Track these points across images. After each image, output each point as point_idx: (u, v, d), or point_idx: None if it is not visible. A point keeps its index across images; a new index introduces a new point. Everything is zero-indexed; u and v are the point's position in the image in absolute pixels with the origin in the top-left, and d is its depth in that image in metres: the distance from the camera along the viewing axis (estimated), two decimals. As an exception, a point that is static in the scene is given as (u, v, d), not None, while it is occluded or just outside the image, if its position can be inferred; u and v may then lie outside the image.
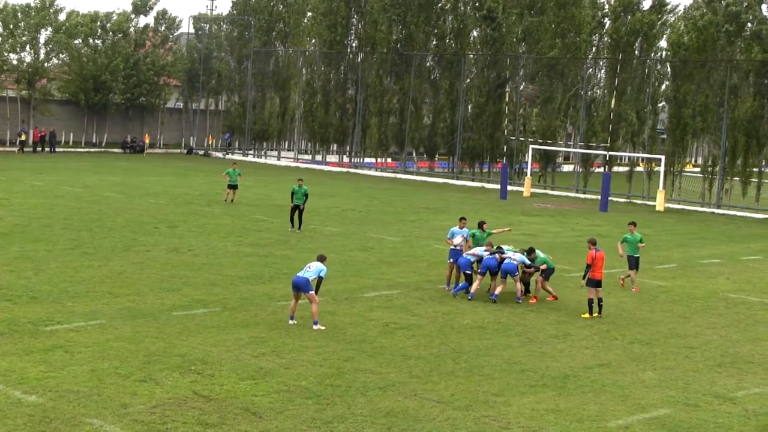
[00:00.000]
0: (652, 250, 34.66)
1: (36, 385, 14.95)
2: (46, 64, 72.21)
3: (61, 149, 70.60)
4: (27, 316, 19.20)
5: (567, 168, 76.61)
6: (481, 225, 25.65)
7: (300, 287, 19.64)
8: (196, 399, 14.76)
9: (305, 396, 15.20)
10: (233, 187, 41.69)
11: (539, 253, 24.30)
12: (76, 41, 73.21)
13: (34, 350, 16.83)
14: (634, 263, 26.35)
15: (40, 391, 14.68)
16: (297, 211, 34.05)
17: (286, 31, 78.38)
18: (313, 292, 19.63)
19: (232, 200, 41.60)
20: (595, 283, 22.29)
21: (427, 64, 69.84)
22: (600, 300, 22.42)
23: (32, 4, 70.62)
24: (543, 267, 23.98)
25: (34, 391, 14.64)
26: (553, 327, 21.16)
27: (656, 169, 57.23)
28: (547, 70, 63.30)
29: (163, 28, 78.38)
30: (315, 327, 19.54)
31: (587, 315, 22.31)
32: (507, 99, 64.31)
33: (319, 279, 19.84)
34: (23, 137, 67.97)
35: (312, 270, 19.75)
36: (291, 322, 19.83)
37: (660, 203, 51.55)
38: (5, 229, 30.54)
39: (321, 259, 20.26)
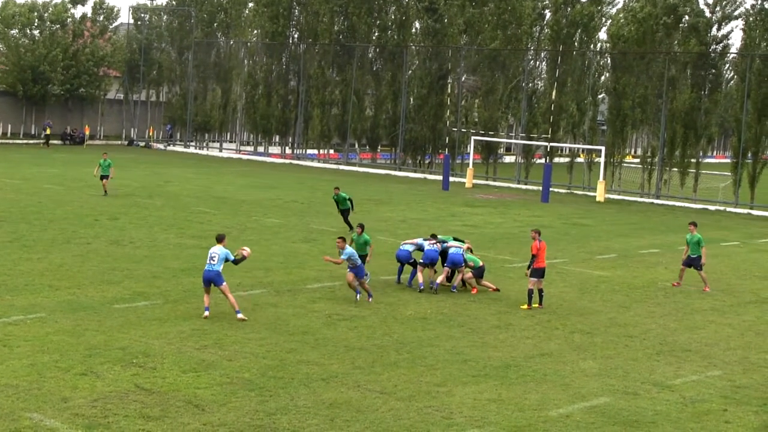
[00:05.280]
0: (592, 241, 35.13)
1: (-26, 380, 14.74)
2: (-18, 55, 70.98)
3: (-1, 141, 69.48)
4: (-36, 311, 18.90)
5: (508, 159, 77.21)
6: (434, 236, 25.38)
7: (212, 281, 19.42)
8: (138, 392, 14.66)
9: (248, 388, 15.17)
10: (105, 177, 39.79)
11: (470, 256, 24.28)
12: (13, 31, 71.95)
13: (-29, 345, 16.58)
14: (695, 263, 26.05)
15: (-22, 386, 14.48)
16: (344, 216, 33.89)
17: (228, 22, 77.82)
18: (225, 284, 19.44)
19: (105, 192, 39.62)
20: (540, 273, 22.46)
21: (370, 56, 69.84)
22: (540, 291, 22.64)
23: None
24: (471, 265, 24.05)
25: (-28, 387, 14.43)
26: (495, 317, 21.35)
27: (596, 160, 57.95)
28: (489, 61, 63.66)
29: (101, 18, 77.35)
30: (239, 316, 19.45)
31: (526, 306, 22.46)
32: (449, 90, 64.57)
33: (234, 262, 19.88)
34: (48, 131, 69.50)
35: (217, 260, 19.47)
36: (206, 313, 19.51)
37: (600, 194, 52.22)
38: (-59, 222, 29.99)
39: (220, 239, 20.00)
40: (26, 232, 29.11)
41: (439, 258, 24.31)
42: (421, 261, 23.92)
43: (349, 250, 21.66)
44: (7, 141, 70.31)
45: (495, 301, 23.02)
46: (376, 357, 17.49)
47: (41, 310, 19.38)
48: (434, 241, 24.30)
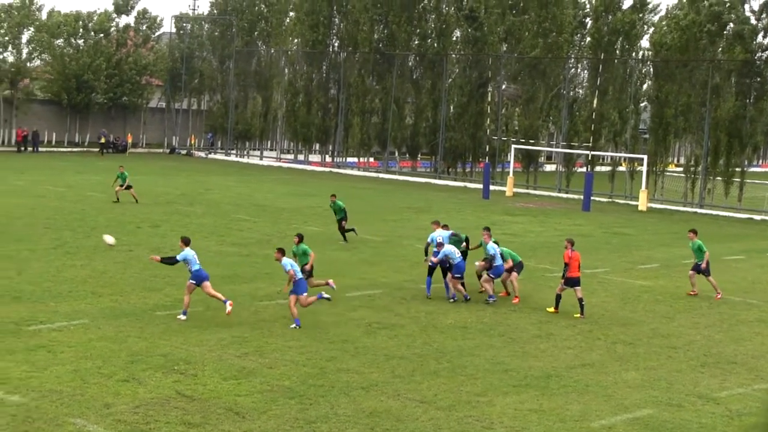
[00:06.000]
0: (634, 250, 34.81)
1: (19, 384, 14.88)
2: (28, 64, 71.88)
3: (44, 149, 70.24)
4: (10, 316, 19.11)
5: (549, 168, 76.79)
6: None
7: (205, 279, 20.05)
8: (179, 399, 14.72)
9: (288, 396, 15.18)
10: (129, 187, 39.90)
11: (507, 250, 24.15)
12: (58, 41, 72.91)
13: (16, 350, 16.75)
14: (702, 270, 25.89)
15: (23, 391, 14.62)
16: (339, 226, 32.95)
17: (268, 30, 78.25)
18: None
19: (117, 200, 39.74)
20: (573, 282, 22.39)
21: (409, 64, 69.86)
22: (581, 300, 22.49)
23: (14, 3, 70.27)
24: (510, 262, 23.80)
25: (17, 391, 14.57)
26: (535, 327, 21.20)
27: (639, 168, 57.42)
28: (529, 69, 63.44)
29: (144, 28, 78.13)
30: (229, 307, 19.81)
31: (553, 309, 22.53)
32: (489, 99, 64.38)
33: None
34: (103, 140, 70.87)
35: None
36: (183, 317, 19.86)
37: (642, 203, 51.75)
38: (-14, 229, 30.38)
39: (187, 242, 20.53)
40: (70, 239, 29.41)
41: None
42: (456, 275, 23.24)
43: (286, 261, 20.03)
44: (51, 149, 71.13)
45: (535, 311, 22.85)
46: (416, 366, 17.43)
47: (84, 316, 19.55)
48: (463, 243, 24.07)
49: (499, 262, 23.48)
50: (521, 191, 58.66)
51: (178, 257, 20.25)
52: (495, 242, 24.02)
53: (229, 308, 19.82)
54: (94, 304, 20.71)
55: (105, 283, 22.96)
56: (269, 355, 17.44)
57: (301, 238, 22.46)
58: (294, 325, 19.59)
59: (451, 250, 23.15)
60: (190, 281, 20.02)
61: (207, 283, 20.08)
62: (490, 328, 20.80)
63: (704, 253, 25.95)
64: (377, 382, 16.27)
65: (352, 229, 32.78)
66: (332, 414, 14.48)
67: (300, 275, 19.99)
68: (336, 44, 73.36)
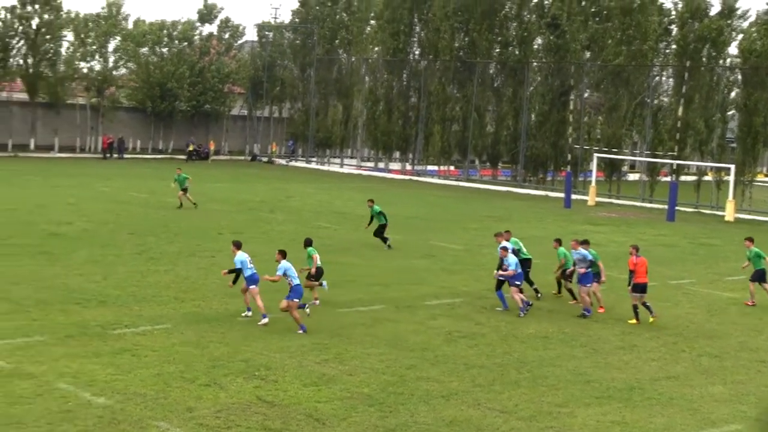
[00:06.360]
0: (720, 261, 34.06)
1: (105, 387, 15.15)
2: (114, 72, 73.45)
3: (129, 156, 71.63)
4: (96, 320, 19.47)
5: (632, 177, 75.63)
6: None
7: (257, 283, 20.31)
8: (260, 404, 14.81)
9: (368, 403, 15.16)
10: (185, 190, 40.26)
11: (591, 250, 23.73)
12: (143, 49, 74.34)
13: (102, 353, 17.05)
14: (761, 277, 25.67)
15: (108, 393, 14.87)
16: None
17: (349, 38, 78.66)
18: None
19: (194, 203, 40.16)
20: (640, 288, 22.31)
21: (490, 72, 69.57)
22: (644, 303, 22.39)
23: (101, 13, 71.89)
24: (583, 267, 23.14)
25: (103, 393, 14.83)
26: (618, 338, 20.86)
27: (725, 178, 56.22)
28: (613, 77, 62.61)
29: (227, 36, 79.22)
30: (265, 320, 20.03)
31: (634, 321, 22.26)
32: (571, 107, 63.70)
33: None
34: (191, 147, 72.80)
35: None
36: (265, 320, 20.07)
37: (730, 213, 50.63)
38: (75, 234, 31.06)
39: (239, 245, 20.91)
40: (153, 244, 29.88)
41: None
42: (515, 284, 22.72)
43: (285, 265, 19.79)
44: (136, 156, 72.50)
45: (618, 322, 22.48)
46: (496, 375, 17.27)
47: (167, 321, 19.82)
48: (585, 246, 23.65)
49: (575, 266, 23.31)
50: (604, 200, 57.87)
51: (235, 261, 20.52)
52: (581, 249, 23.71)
53: (264, 321, 19.95)
54: (177, 309, 20.98)
55: (187, 289, 23.25)
56: (349, 362, 17.46)
57: (308, 243, 22.81)
58: (300, 331, 19.56)
59: (515, 261, 22.81)
60: (251, 286, 20.28)
61: (255, 288, 20.28)
62: (571, 339, 20.53)
63: (763, 259, 25.58)
64: (457, 391, 16.16)
65: (385, 240, 32.21)
66: (412, 422, 14.42)
67: (296, 281, 19.74)
68: (417, 52, 73.43)
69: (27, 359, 16.42)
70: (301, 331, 19.44)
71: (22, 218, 34.22)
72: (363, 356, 17.94)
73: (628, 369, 18.29)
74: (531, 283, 24.70)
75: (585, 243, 23.70)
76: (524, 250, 24.86)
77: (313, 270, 22.18)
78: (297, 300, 19.64)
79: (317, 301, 22.06)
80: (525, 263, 24.14)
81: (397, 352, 18.45)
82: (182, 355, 17.23)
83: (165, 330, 19.04)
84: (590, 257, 22.96)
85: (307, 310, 20.08)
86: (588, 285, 22.76)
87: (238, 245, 20.88)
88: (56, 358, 16.59)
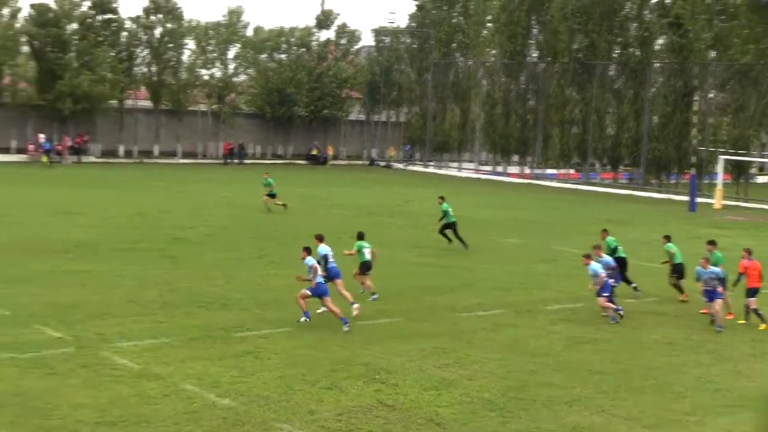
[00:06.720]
0: None
1: (228, 389, 15.38)
2: (234, 79, 74.97)
3: (249, 161, 72.94)
4: (219, 323, 19.81)
5: (762, 179, 73.24)
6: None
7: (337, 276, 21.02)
8: (380, 408, 14.81)
9: (489, 408, 15.01)
10: (272, 195, 40.67)
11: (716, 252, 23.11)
12: (262, 56, 75.65)
13: (226, 355, 17.32)
14: None
15: (232, 394, 15.09)
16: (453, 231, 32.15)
17: (466, 42, 78.46)
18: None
19: (284, 205, 40.49)
20: (751, 293, 21.83)
21: (610, 73, 68.42)
22: (755, 310, 21.82)
23: (221, 21, 73.50)
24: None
25: (227, 395, 15.06)
26: (748, 345, 20.18)
27: None
28: (739, 77, 60.79)
29: (344, 42, 79.96)
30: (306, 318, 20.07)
31: (764, 326, 21.72)
32: (695, 108, 62.10)
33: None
34: (315, 152, 75.20)
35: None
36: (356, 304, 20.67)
37: None
38: (198, 239, 31.74)
39: (321, 238, 21.68)
40: (273, 249, 30.29)
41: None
42: (604, 294, 21.83)
43: (310, 260, 19.72)
44: (256, 161, 73.76)
45: (747, 329, 21.75)
46: (620, 382, 16.89)
47: (288, 324, 20.00)
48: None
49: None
50: (730, 203, 56.15)
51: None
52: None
53: (304, 319, 19.98)
54: (297, 313, 21.15)
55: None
56: (469, 367, 17.33)
57: (360, 236, 23.70)
58: (303, 318, 19.89)
59: (599, 268, 22.10)
60: (337, 279, 21.09)
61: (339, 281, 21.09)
62: (698, 345, 19.94)
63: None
64: (580, 397, 15.86)
65: (452, 240, 31.84)
66: (534, 428, 14.21)
67: (320, 278, 19.71)
68: (535, 55, 72.76)
69: (154, 360, 16.81)
70: (303, 319, 19.87)
71: (148, 223, 35.18)
72: (483, 361, 17.78)
73: (760, 377, 17.66)
74: (629, 282, 24.45)
75: (712, 244, 23.22)
76: (620, 249, 24.61)
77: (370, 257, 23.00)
78: (328, 297, 19.79)
79: (375, 295, 22.70)
80: (620, 263, 23.87)
81: (517, 357, 18.24)
82: (303, 358, 17.38)
83: (286, 333, 19.23)
84: (723, 275, 22.04)
85: (355, 312, 20.44)
86: (606, 294, 21.87)
87: (320, 238, 21.62)
88: (182, 359, 16.93)
